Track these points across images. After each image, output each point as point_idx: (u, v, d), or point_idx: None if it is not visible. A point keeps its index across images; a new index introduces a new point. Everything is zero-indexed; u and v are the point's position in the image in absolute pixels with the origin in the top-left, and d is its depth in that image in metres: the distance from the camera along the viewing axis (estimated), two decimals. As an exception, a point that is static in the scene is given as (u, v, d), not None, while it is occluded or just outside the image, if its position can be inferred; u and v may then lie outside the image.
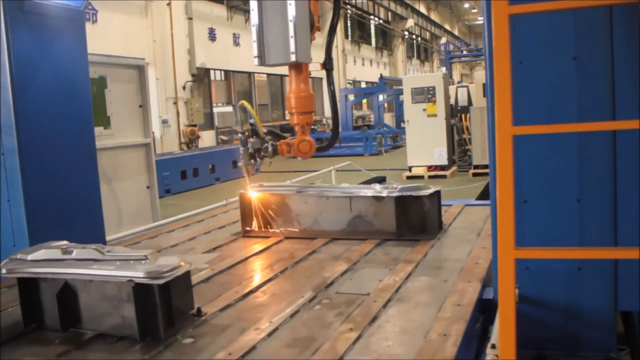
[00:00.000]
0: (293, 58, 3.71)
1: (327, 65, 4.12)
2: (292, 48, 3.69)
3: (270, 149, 4.02)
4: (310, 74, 4.09)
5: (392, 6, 37.66)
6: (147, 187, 6.54)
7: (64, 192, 4.29)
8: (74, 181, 4.41)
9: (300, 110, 3.98)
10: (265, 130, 4.10)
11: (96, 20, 15.03)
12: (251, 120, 4.07)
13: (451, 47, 43.48)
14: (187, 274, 2.70)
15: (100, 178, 4.72)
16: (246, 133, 4.05)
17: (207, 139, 19.59)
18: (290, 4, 3.67)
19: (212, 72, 20.80)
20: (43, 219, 4.06)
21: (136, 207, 6.31)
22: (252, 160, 4.09)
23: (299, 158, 4.15)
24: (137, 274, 2.45)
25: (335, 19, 4.13)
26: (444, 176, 12.99)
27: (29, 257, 2.71)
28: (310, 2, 3.91)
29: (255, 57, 3.79)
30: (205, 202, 7.41)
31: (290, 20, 3.67)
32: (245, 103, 4.13)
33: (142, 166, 6.48)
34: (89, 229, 4.44)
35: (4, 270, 2.67)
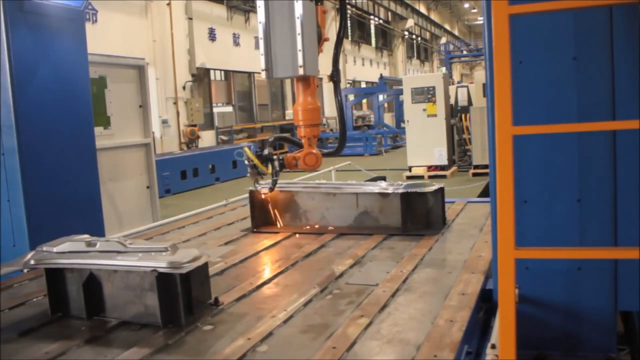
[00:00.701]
0: (301, 72, 3.71)
1: (335, 77, 4.13)
2: (300, 61, 3.69)
3: (277, 167, 4.05)
4: (318, 85, 4.10)
5: (392, 6, 37.75)
6: (147, 187, 6.60)
7: (64, 192, 4.34)
8: (74, 181, 4.46)
9: (308, 123, 3.99)
10: (271, 153, 4.08)
11: (96, 20, 15.08)
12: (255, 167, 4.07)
13: (451, 47, 43.59)
14: (206, 266, 2.83)
15: (100, 178, 4.77)
16: (251, 162, 4.07)
17: (207, 139, 19.67)
18: (298, 17, 3.68)
19: (212, 72, 20.87)
20: (43, 219, 4.11)
21: (136, 207, 6.37)
22: (259, 175, 4.14)
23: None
24: (160, 264, 2.58)
25: (342, 31, 4.14)
26: (444, 176, 13.09)
27: (55, 250, 2.84)
28: (318, 15, 3.93)
29: (262, 70, 3.80)
30: (205, 202, 7.48)
31: (298, 34, 3.67)
32: (247, 151, 4.12)
33: (142, 166, 6.54)
34: (89, 228, 4.39)
35: (32, 262, 2.80)
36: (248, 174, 4.17)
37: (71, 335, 2.60)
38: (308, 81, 3.98)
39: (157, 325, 2.61)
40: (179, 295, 2.61)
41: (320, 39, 3.94)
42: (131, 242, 2.82)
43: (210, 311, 2.79)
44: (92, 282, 2.75)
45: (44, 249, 2.87)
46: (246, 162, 4.08)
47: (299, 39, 3.69)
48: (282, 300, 2.92)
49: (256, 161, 4.00)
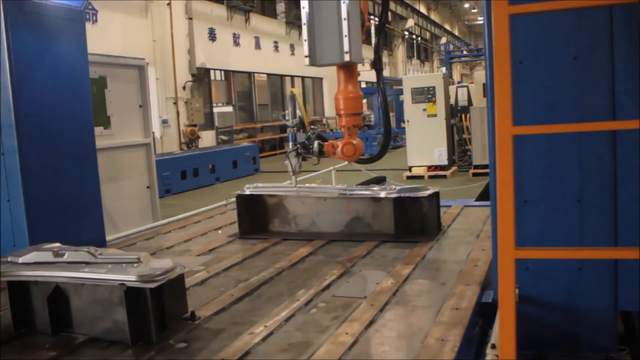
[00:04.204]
0: (347, 58, 3.58)
1: (377, 65, 4.00)
2: (346, 47, 3.56)
3: (316, 147, 3.94)
4: (359, 74, 3.96)
5: (392, 6, 37.53)
6: (147, 187, 6.52)
7: (64, 192, 4.27)
8: (74, 181, 4.39)
9: (349, 112, 3.87)
10: (312, 129, 4.03)
11: (96, 20, 14.96)
12: (298, 113, 4.00)
13: (451, 47, 43.37)
14: (181, 277, 2.66)
15: (100, 178, 4.70)
16: (295, 128, 3.97)
17: (207, 139, 19.54)
18: (343, 2, 3.55)
19: (212, 72, 20.74)
20: (43, 219, 4.04)
21: (136, 207, 6.28)
22: (298, 158, 4.02)
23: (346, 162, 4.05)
24: (129, 277, 2.41)
25: (384, 17, 4.01)
26: (444, 176, 12.94)
27: (20, 260, 2.67)
28: (361, 2, 3.79)
29: (305, 56, 3.68)
30: (205, 202, 7.39)
31: (344, 19, 3.53)
32: (295, 92, 4.04)
33: (142, 166, 6.45)
34: (89, 229, 4.43)
35: (-6, 273, 2.63)
36: (286, 161, 4.02)
37: (34, 353, 2.43)
38: (351, 69, 3.84)
39: (127, 342, 2.44)
40: (150, 310, 2.44)
41: (363, 26, 3.78)
42: (101, 252, 2.65)
43: (186, 326, 2.62)
44: (58, 296, 2.58)
45: (9, 259, 2.70)
46: (289, 129, 3.96)
47: (344, 24, 3.53)
48: (264, 314, 2.75)
49: (302, 108, 3.91)
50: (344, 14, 3.54)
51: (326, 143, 3.94)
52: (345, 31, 3.54)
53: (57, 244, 2.84)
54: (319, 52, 3.65)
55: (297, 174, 4.10)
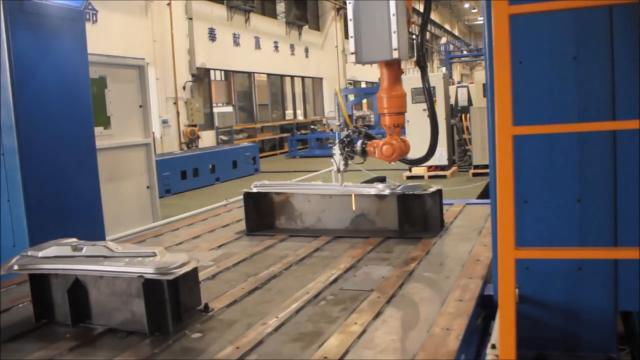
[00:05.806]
0: (396, 55, 3.50)
1: (421, 62, 3.96)
2: (395, 44, 3.48)
3: (359, 148, 3.93)
4: (403, 72, 3.90)
5: (391, 6, 37.60)
6: (147, 187, 6.59)
7: (64, 192, 4.31)
8: (74, 181, 4.43)
9: (392, 111, 3.80)
10: (355, 127, 4.03)
11: (96, 20, 15.01)
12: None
13: (451, 47, 43.43)
14: (195, 271, 2.75)
15: (100, 178, 4.75)
16: (341, 126, 3.98)
17: (207, 139, 19.62)
18: None
19: (212, 72, 20.82)
20: (43, 219, 4.08)
21: (136, 207, 6.35)
22: (344, 158, 4.01)
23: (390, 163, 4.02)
24: (147, 269, 2.50)
25: (427, 14, 3.98)
26: (444, 176, 13.01)
27: (40, 254, 2.76)
28: None
29: (352, 53, 3.62)
30: (205, 202, 7.44)
31: (393, 15, 3.46)
32: (337, 90, 4.02)
33: (142, 166, 6.52)
34: (89, 229, 4.47)
35: (16, 267, 2.73)
36: (333, 153, 4.00)
37: (55, 342, 2.52)
38: (395, 66, 3.79)
39: (144, 332, 2.54)
40: (167, 301, 2.54)
41: (408, 22, 3.71)
42: (118, 247, 2.74)
43: (200, 318, 2.71)
44: (77, 288, 2.68)
45: (29, 253, 2.79)
46: (336, 126, 3.98)
47: (393, 20, 3.47)
48: (274, 306, 2.84)
49: (342, 108, 3.89)
50: (392, 10, 3.48)
51: (369, 142, 3.92)
52: (394, 27, 3.47)
53: (74, 239, 2.94)
54: (366, 49, 3.58)
55: (343, 172, 4.07)
